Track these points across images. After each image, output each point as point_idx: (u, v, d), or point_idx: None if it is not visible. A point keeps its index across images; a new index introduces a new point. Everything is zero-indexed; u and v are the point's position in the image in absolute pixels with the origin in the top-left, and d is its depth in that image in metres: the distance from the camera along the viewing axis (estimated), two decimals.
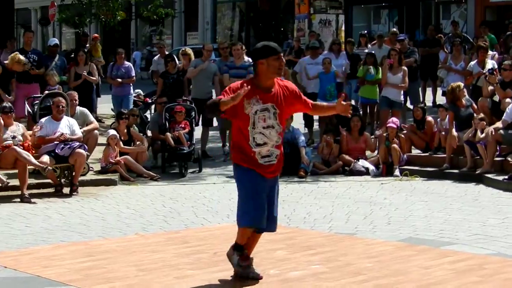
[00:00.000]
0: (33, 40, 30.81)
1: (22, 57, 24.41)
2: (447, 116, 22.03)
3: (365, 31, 40.11)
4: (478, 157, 20.83)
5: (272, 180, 11.51)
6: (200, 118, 23.62)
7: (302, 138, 23.15)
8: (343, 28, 44.83)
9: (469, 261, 12.44)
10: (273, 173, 11.56)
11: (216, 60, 27.69)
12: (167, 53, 31.04)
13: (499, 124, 20.59)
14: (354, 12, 56.36)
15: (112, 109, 27.30)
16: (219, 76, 24.91)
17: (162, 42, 40.15)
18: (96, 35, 38.81)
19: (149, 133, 24.05)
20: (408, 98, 25.74)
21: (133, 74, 28.20)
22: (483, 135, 20.68)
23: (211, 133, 26.07)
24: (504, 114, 20.74)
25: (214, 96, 24.18)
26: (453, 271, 11.78)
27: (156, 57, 31.39)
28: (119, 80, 27.12)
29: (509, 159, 20.05)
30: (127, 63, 28.41)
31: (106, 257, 12.92)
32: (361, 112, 25.17)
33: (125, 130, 22.13)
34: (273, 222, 11.36)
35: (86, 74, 26.32)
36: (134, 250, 13.35)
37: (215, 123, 25.38)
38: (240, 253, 11.27)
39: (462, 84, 22.63)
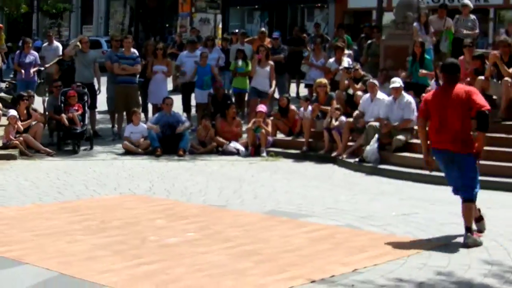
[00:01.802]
0: None
1: None
2: (308, 105, 22.24)
3: (238, 30, 40.12)
4: (334, 141, 21.06)
5: None
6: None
7: (185, 120, 23.38)
8: (220, 26, 44.90)
9: (322, 231, 12.61)
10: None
11: (108, 51, 27.57)
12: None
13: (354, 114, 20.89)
14: (230, 12, 56.33)
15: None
16: (105, 63, 25.04)
17: (52, 30, 39.50)
18: (0, 25, 38.47)
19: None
20: (275, 89, 25.83)
21: (39, 62, 27.90)
22: (337, 123, 20.94)
23: (101, 115, 26.01)
24: (359, 106, 21.02)
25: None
26: (309, 239, 11.95)
27: (45, 44, 31.10)
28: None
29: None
30: (33, 52, 28.15)
31: (4, 223, 12.85)
32: (233, 100, 25.21)
33: (25, 111, 21.99)
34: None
35: None
36: (30, 218, 13.29)
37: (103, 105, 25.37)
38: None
39: (326, 81, 22.90)
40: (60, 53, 27.24)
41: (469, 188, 12.32)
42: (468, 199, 12.24)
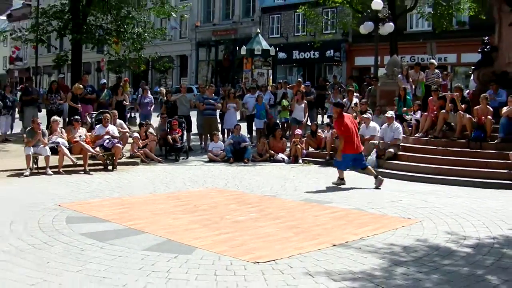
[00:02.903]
0: (89, 79, 30.62)
1: (80, 86, 24.60)
2: (329, 129, 22.24)
3: (282, 80, 40.05)
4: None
5: None
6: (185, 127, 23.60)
7: (247, 139, 23.45)
8: (271, 77, 44.75)
9: (339, 212, 12.53)
10: None
11: (197, 94, 27.63)
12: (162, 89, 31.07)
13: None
14: (277, 68, 56.07)
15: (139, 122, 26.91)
16: (195, 102, 25.03)
17: (145, 84, 39.43)
18: (126, 78, 38.69)
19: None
20: (308, 118, 25.81)
21: (153, 102, 28.06)
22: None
23: (194, 136, 26.10)
24: (360, 131, 21.00)
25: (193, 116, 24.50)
26: (331, 218, 11.89)
27: (139, 95, 30.98)
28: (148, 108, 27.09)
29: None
30: (150, 96, 28.28)
31: (131, 206, 12.92)
32: (280, 126, 25.21)
33: (144, 133, 22.10)
34: None
35: (123, 101, 26.35)
36: (148, 203, 13.32)
37: (194, 129, 25.56)
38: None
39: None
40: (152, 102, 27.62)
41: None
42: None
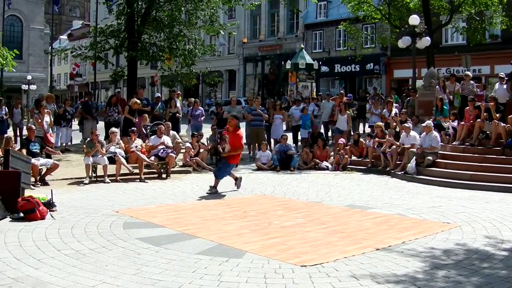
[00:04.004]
0: (145, 93, 30.81)
1: (138, 101, 24.70)
2: (370, 139, 22.14)
3: (327, 92, 40.02)
4: (387, 160, 20.88)
5: None
6: None
7: (293, 148, 23.33)
8: (314, 90, 44.69)
9: (382, 217, 12.39)
10: None
11: (246, 106, 27.71)
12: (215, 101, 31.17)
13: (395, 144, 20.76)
14: (320, 81, 56.30)
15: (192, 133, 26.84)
16: (243, 113, 25.20)
17: (197, 100, 39.51)
18: (179, 92, 38.78)
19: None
20: (351, 128, 25.70)
21: (204, 114, 28.08)
22: (389, 149, 20.79)
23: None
24: (400, 140, 20.91)
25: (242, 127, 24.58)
26: (373, 223, 11.76)
27: (189, 108, 30.99)
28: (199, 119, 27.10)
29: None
30: (200, 108, 28.30)
31: (185, 212, 12.91)
32: (324, 136, 25.17)
33: (196, 143, 22.16)
34: None
35: (177, 113, 26.47)
36: (199, 209, 13.31)
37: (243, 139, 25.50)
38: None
39: (382, 124, 22.87)
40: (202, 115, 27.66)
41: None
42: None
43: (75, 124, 29.67)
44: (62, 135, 25.77)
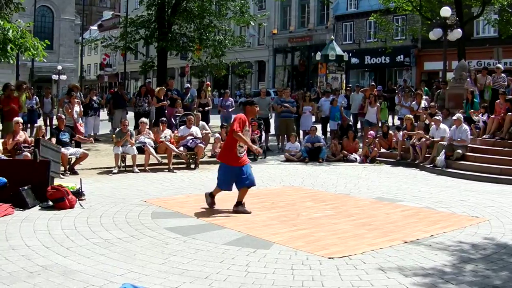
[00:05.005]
0: (174, 84, 30.90)
1: (164, 88, 24.91)
2: (400, 131, 22.10)
3: (356, 84, 39.90)
4: (416, 153, 20.80)
5: None
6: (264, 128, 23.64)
7: (322, 140, 23.25)
8: (344, 81, 44.58)
9: (410, 210, 12.35)
10: None
11: (275, 97, 27.75)
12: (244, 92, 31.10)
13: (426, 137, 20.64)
14: (350, 73, 56.08)
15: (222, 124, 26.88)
16: (273, 105, 25.07)
17: (227, 91, 39.53)
18: (208, 83, 38.95)
19: None
20: (380, 120, 25.60)
21: (233, 105, 28.02)
22: (419, 142, 20.69)
23: (271, 137, 26.12)
24: (429, 132, 20.78)
25: (271, 116, 24.52)
26: (402, 216, 11.74)
27: (220, 98, 31.05)
28: (223, 109, 26.95)
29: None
30: (230, 99, 28.28)
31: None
32: (353, 128, 25.14)
33: (225, 134, 22.21)
34: None
35: (205, 103, 26.46)
36: (228, 200, 13.25)
37: (272, 131, 25.59)
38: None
39: (411, 116, 22.77)
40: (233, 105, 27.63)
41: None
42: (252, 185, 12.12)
43: (103, 114, 29.84)
44: (90, 125, 25.86)
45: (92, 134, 25.65)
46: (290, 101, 24.71)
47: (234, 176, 11.95)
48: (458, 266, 8.15)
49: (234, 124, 11.73)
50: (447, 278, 7.60)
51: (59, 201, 11.82)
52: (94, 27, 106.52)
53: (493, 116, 20.59)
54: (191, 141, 19.80)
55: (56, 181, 13.29)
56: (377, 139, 22.77)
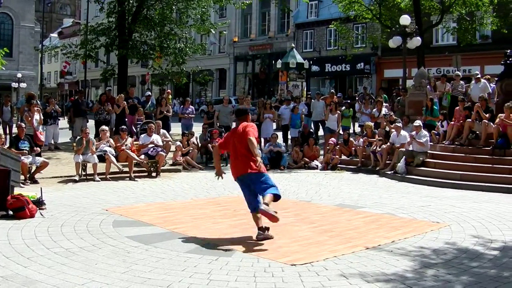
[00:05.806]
0: (135, 91, 30.83)
1: (122, 96, 24.97)
2: (360, 138, 22.24)
3: (317, 91, 40.07)
4: (377, 160, 20.95)
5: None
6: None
7: (283, 147, 23.31)
8: (305, 89, 44.78)
9: (372, 216, 12.41)
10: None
11: (236, 105, 27.79)
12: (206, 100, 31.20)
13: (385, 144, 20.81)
14: (311, 80, 56.36)
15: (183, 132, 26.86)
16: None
17: (189, 99, 39.77)
18: (169, 90, 38.91)
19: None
20: (340, 128, 25.71)
21: (194, 113, 27.97)
22: (379, 149, 20.85)
23: None
24: (390, 139, 20.97)
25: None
26: (363, 222, 11.78)
27: (182, 106, 30.96)
28: (186, 115, 26.91)
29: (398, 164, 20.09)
30: (191, 107, 28.22)
31: (174, 211, 12.92)
32: (314, 136, 25.26)
33: (186, 142, 22.20)
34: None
35: (165, 112, 26.30)
36: (189, 207, 13.28)
37: None
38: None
39: (371, 124, 22.97)
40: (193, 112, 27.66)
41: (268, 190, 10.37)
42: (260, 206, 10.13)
43: (63, 122, 29.59)
44: (49, 134, 25.33)
45: (52, 142, 25.40)
46: (251, 109, 24.73)
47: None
48: (420, 271, 8.20)
49: (253, 132, 10.32)
50: (408, 283, 7.63)
51: (20, 210, 11.67)
52: (54, 35, 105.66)
53: (452, 122, 20.81)
54: (152, 149, 19.75)
55: (16, 190, 13.09)
56: (338, 146, 22.89)
